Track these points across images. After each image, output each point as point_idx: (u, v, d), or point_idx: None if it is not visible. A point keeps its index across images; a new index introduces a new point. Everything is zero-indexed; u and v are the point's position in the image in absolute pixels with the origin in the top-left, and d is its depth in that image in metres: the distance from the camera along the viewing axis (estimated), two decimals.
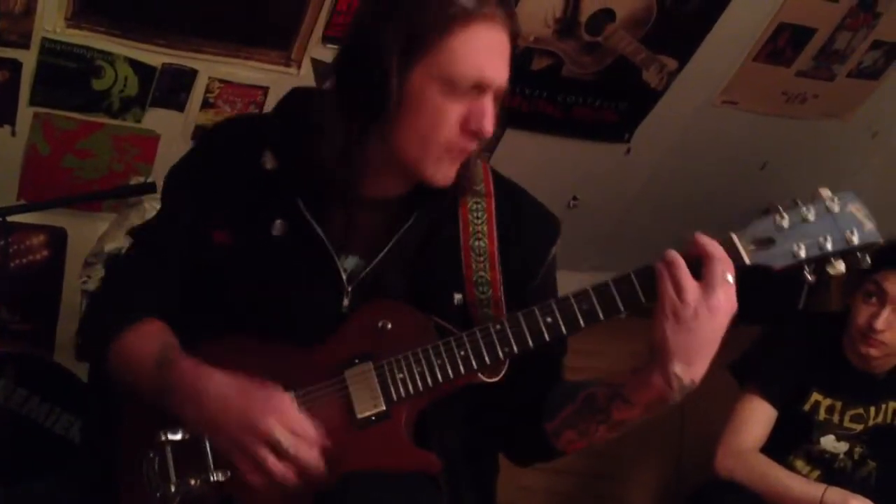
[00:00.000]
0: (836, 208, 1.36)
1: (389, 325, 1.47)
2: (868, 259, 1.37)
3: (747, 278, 1.36)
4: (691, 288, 1.32)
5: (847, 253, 1.36)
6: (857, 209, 1.37)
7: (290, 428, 1.36)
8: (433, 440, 1.50)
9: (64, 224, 2.72)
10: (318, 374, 1.47)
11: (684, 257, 1.35)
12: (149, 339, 1.52)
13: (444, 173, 1.45)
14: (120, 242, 2.40)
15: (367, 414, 1.45)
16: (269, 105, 2.61)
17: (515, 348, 1.42)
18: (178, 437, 1.44)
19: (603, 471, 3.18)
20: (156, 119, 2.58)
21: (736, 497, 2.37)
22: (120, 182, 2.62)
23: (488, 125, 1.41)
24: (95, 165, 2.62)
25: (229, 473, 1.42)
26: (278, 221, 1.51)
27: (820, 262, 1.37)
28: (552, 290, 1.58)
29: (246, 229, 1.52)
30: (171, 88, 2.52)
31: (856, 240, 1.35)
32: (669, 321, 1.33)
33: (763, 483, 2.37)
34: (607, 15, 2.72)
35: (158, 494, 1.45)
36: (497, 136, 1.81)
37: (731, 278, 1.33)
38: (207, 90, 2.56)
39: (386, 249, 1.50)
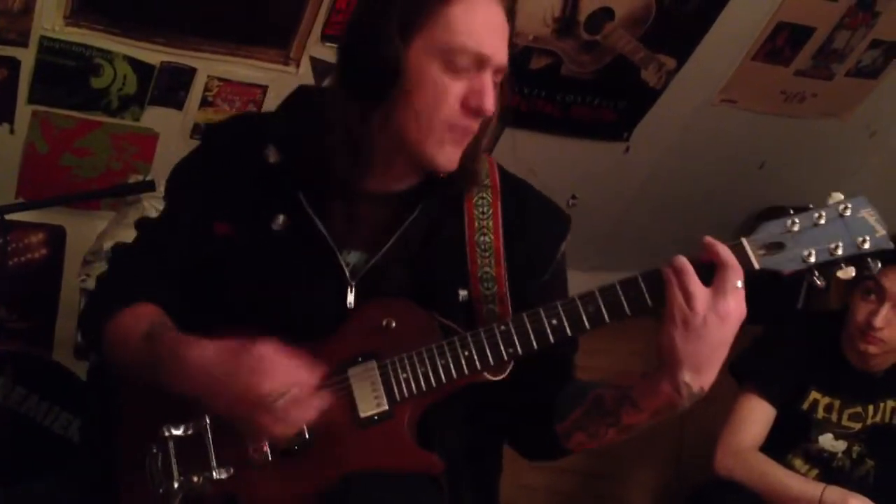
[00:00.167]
0: (847, 213, 1.34)
1: (394, 324, 1.46)
2: (879, 265, 1.35)
3: (753, 281, 1.34)
4: (701, 296, 1.31)
5: (857, 258, 1.35)
6: (868, 214, 1.35)
7: (282, 384, 1.31)
8: (435, 440, 1.49)
9: (62, 222, 2.72)
10: (321, 371, 1.45)
11: (692, 261, 1.33)
12: (142, 318, 1.51)
13: (447, 156, 1.44)
14: (118, 240, 2.39)
15: (370, 413, 1.44)
16: (268, 104, 2.61)
17: (520, 350, 1.42)
18: (181, 431, 1.43)
19: (603, 470, 3.18)
20: (154, 117, 2.58)
21: (736, 496, 2.37)
22: (118, 180, 2.62)
23: (489, 103, 1.41)
24: (94, 164, 2.61)
25: (232, 471, 1.42)
26: (280, 216, 1.50)
27: (829, 267, 1.35)
28: (562, 288, 1.57)
29: (248, 224, 1.51)
30: (169, 87, 2.52)
31: (867, 246, 1.33)
32: (678, 329, 1.32)
33: (762, 482, 2.37)
34: (606, 14, 2.72)
35: (161, 491, 1.44)
36: (496, 135, 1.80)
37: (741, 284, 1.31)
38: (206, 88, 2.55)
39: (389, 244, 1.49)
